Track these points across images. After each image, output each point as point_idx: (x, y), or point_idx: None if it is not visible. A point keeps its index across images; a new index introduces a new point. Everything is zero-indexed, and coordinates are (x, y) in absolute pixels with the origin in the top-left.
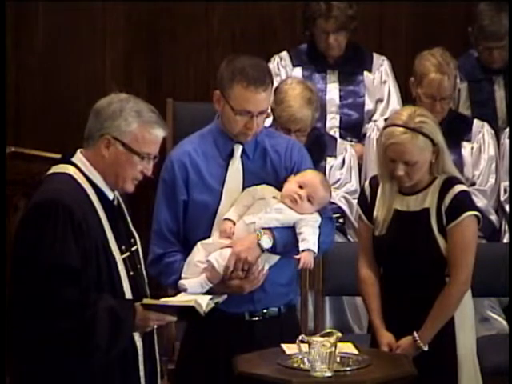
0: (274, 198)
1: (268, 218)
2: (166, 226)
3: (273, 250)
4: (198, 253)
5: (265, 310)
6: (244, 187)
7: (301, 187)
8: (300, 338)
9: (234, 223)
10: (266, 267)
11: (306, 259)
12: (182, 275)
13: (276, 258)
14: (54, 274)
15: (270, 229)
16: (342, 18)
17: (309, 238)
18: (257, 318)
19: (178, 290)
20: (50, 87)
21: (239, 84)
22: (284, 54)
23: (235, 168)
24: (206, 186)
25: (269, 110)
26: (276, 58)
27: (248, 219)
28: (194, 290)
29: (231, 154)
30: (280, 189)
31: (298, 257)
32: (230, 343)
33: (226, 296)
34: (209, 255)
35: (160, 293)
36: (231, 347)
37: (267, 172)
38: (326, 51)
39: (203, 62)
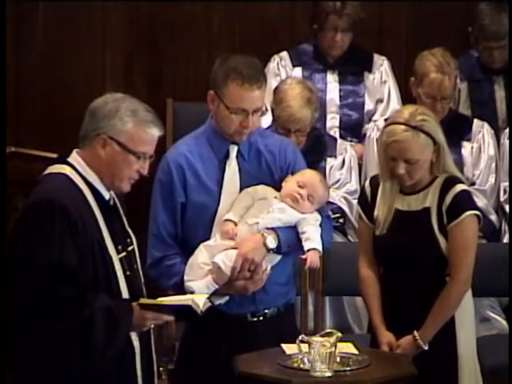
0: (275, 198)
1: (271, 217)
2: (165, 229)
3: (277, 250)
4: (202, 254)
5: (266, 310)
6: (241, 188)
7: (301, 187)
8: (300, 337)
9: (236, 224)
10: (269, 267)
11: (313, 259)
12: (185, 277)
13: (278, 258)
14: (51, 274)
15: (273, 229)
16: (354, 17)
17: (313, 238)
18: (258, 319)
19: (178, 293)
20: (50, 87)
21: (234, 82)
22: (284, 53)
23: (232, 169)
24: (204, 188)
25: (264, 108)
26: (276, 57)
27: (251, 220)
28: (200, 292)
29: (227, 155)
30: (276, 189)
31: (304, 257)
32: (232, 344)
33: (227, 297)
34: (212, 257)
35: (160, 293)
36: (232, 348)
37: (263, 172)
38: (329, 49)
39: (203, 62)
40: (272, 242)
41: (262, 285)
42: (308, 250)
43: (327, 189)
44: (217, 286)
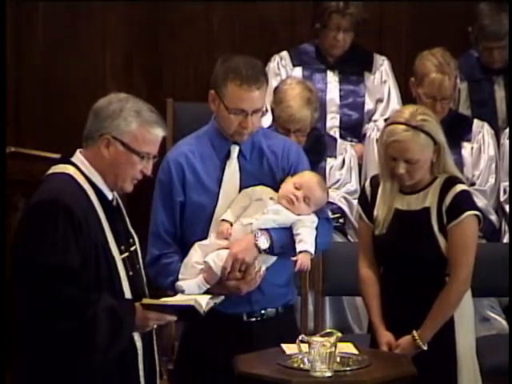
0: (271, 198)
1: (265, 218)
2: (163, 228)
3: (270, 251)
4: (195, 254)
5: (263, 311)
6: (241, 188)
7: (297, 188)
8: (300, 337)
9: (231, 224)
10: (263, 268)
11: (303, 261)
12: (180, 276)
13: (273, 259)
14: (54, 274)
15: (267, 230)
16: (357, 16)
17: (306, 240)
18: (255, 319)
19: (175, 292)
20: (50, 87)
21: (232, 82)
22: (284, 53)
23: (232, 169)
24: (203, 187)
25: (264, 108)
26: (276, 57)
27: (245, 220)
28: (191, 291)
29: (228, 155)
30: (277, 189)
31: (294, 259)
32: (229, 344)
33: (223, 297)
34: (206, 256)
35: (160, 293)
36: (230, 348)
37: (264, 173)
38: (330, 49)
39: (203, 62)
40: (264, 243)
41: (256, 285)
42: (300, 252)
43: (325, 191)
44: (208, 286)
